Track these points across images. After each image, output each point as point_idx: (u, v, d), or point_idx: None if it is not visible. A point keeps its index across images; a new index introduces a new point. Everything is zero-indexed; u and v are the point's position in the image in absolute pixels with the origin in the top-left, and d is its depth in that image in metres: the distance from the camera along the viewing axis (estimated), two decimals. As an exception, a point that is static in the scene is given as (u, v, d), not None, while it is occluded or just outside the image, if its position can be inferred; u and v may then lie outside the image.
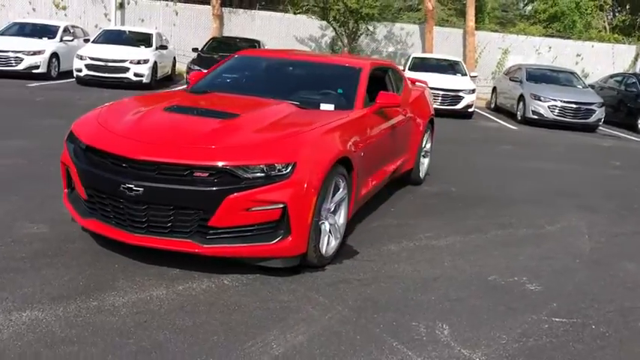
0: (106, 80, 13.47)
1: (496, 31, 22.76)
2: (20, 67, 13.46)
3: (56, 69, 14.35)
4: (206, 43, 16.51)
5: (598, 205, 6.56)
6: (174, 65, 17.11)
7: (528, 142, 11.56)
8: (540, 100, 14.03)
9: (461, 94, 14.16)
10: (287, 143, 3.68)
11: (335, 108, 4.65)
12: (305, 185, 3.53)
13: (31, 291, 3.29)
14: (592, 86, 16.63)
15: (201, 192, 3.43)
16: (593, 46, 21.67)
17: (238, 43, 16.26)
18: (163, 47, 15.56)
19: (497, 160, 9.04)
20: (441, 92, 14.00)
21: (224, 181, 3.45)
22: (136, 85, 13.47)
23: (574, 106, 13.95)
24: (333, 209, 4.02)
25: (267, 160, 3.50)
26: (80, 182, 3.81)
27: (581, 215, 6.00)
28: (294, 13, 20.02)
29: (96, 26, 19.29)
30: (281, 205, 3.49)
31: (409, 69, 15.19)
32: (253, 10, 21.95)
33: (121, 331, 2.95)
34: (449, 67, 15.70)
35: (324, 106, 4.65)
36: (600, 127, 14.50)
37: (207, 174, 3.46)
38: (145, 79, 13.83)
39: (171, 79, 16.58)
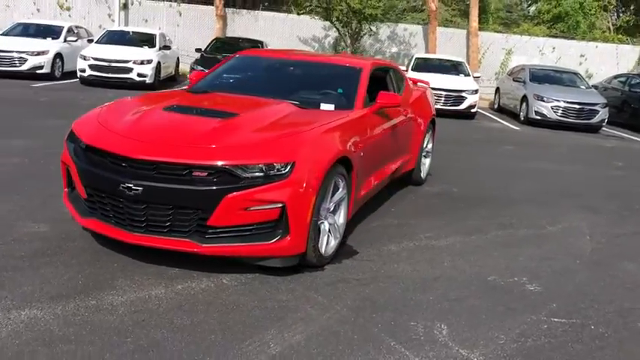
0: (110, 80, 13.51)
1: (499, 31, 22.72)
2: (24, 67, 13.50)
3: (60, 69, 14.39)
4: (209, 44, 16.55)
5: (599, 205, 6.54)
6: (177, 66, 17.17)
7: (531, 143, 11.54)
8: (543, 101, 13.99)
9: (464, 94, 14.15)
10: (286, 143, 3.69)
11: (335, 108, 4.65)
12: (304, 185, 3.54)
13: (30, 289, 3.31)
14: (595, 87, 16.58)
15: (199, 191, 3.43)
16: (597, 47, 21.60)
17: (241, 43, 16.27)
18: (167, 48, 15.59)
19: (500, 161, 9.03)
20: (444, 93, 13.99)
21: (223, 180, 3.45)
22: (140, 86, 13.49)
23: (577, 106, 13.91)
24: (332, 209, 4.02)
25: (266, 160, 3.51)
26: (80, 181, 3.82)
27: (583, 216, 5.99)
28: (298, 14, 20.02)
29: (100, 27, 19.35)
30: (280, 205, 3.50)
31: (412, 69, 15.18)
32: (257, 11, 21.99)
33: (119, 329, 2.96)
34: (452, 68, 15.69)
35: (324, 106, 4.65)
36: (604, 128, 14.45)
37: (206, 173, 3.47)
38: (148, 80, 13.87)
39: (174, 79, 16.62)
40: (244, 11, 21.81)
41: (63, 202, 4.15)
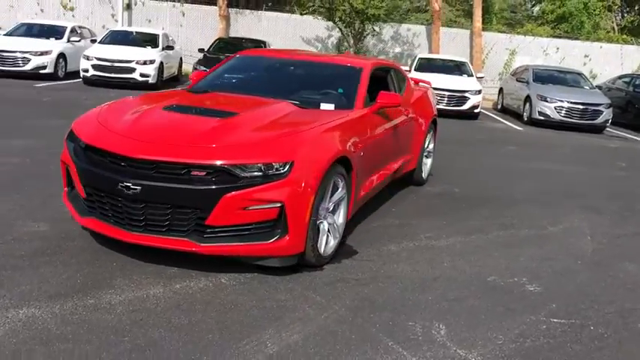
0: (113, 80, 13.54)
1: (503, 32, 22.67)
2: (28, 67, 13.54)
3: (63, 69, 14.43)
4: (212, 44, 16.56)
5: (601, 206, 6.52)
6: (180, 66, 17.17)
7: (534, 143, 11.50)
8: (547, 101, 13.95)
9: (467, 94, 14.11)
10: (285, 142, 3.68)
11: (335, 107, 4.64)
12: (302, 184, 3.53)
13: (28, 288, 3.31)
14: (599, 87, 16.52)
15: (198, 191, 3.43)
16: (601, 47, 21.52)
17: (244, 43, 16.28)
18: (170, 48, 15.61)
19: (502, 161, 9.00)
20: (447, 93, 13.97)
21: (221, 179, 3.45)
22: (142, 86, 13.51)
23: (581, 107, 13.86)
24: (332, 209, 4.02)
25: (264, 159, 3.50)
26: (79, 181, 3.83)
27: (584, 216, 5.96)
28: (301, 14, 20.02)
29: (103, 27, 19.38)
30: (278, 204, 3.49)
31: (415, 69, 15.16)
32: (260, 11, 22.00)
33: (117, 329, 2.96)
34: (455, 68, 15.66)
35: (324, 106, 4.64)
36: (608, 129, 14.39)
37: (204, 173, 3.46)
38: (151, 80, 13.89)
39: (177, 79, 16.64)
40: (247, 11, 21.83)
41: (63, 201, 4.16)
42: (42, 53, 13.72)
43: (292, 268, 3.78)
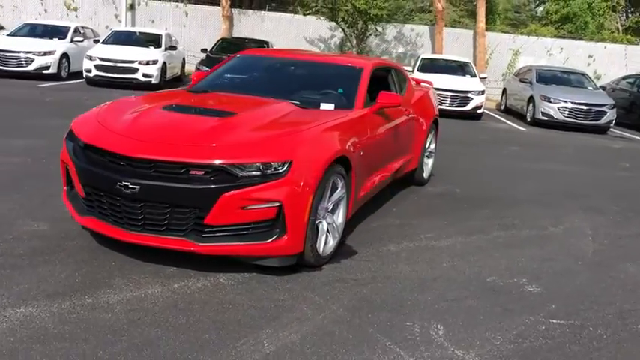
0: (115, 81, 13.56)
1: (507, 32, 22.62)
2: (31, 67, 13.58)
3: (66, 69, 14.46)
4: (215, 44, 16.58)
5: (604, 206, 6.49)
6: (183, 66, 17.20)
7: (537, 144, 11.47)
8: (550, 102, 13.91)
9: (470, 95, 14.09)
10: (283, 142, 3.68)
11: (335, 107, 4.63)
12: (301, 184, 3.53)
13: (27, 287, 3.32)
14: (603, 87, 16.47)
15: (196, 190, 3.43)
16: (605, 48, 21.45)
17: (247, 43, 16.29)
18: (172, 48, 15.64)
19: (505, 162, 8.98)
20: (450, 93, 13.95)
21: (220, 179, 3.45)
22: (145, 86, 13.53)
23: (584, 107, 13.82)
24: (331, 208, 4.01)
25: (263, 159, 3.50)
26: (79, 180, 3.83)
27: (586, 217, 5.94)
28: (304, 14, 20.04)
29: (107, 27, 19.43)
30: (277, 204, 3.49)
31: (418, 70, 15.16)
32: (263, 12, 22.02)
33: (114, 328, 2.96)
34: (458, 68, 15.64)
35: (324, 106, 4.64)
36: (611, 129, 14.35)
37: (203, 172, 3.46)
38: (153, 80, 13.91)
39: (180, 79, 16.65)
40: (250, 12, 21.86)
41: (62, 200, 4.16)
42: (45, 53, 13.76)
43: (291, 268, 3.78)
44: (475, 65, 17.54)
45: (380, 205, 5.54)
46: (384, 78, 5.80)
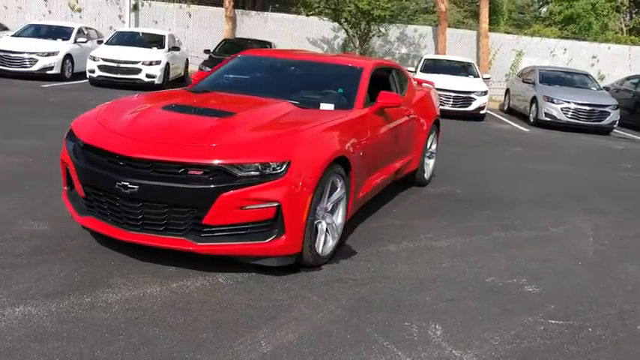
0: (119, 81, 13.60)
1: (510, 33, 22.57)
2: (34, 68, 13.62)
3: (70, 70, 14.50)
4: (218, 45, 16.60)
5: (605, 207, 6.47)
6: (186, 67, 17.24)
7: (539, 145, 11.44)
8: (553, 102, 13.87)
9: (472, 95, 14.06)
10: (282, 142, 3.68)
11: (335, 107, 4.63)
12: (299, 184, 3.53)
13: (25, 287, 3.33)
14: (607, 88, 16.41)
15: (195, 190, 3.44)
16: (609, 48, 21.37)
17: (250, 44, 16.30)
18: (176, 49, 15.67)
19: (507, 163, 8.96)
20: (453, 94, 13.93)
21: (218, 179, 3.45)
22: (148, 86, 13.53)
23: (587, 108, 13.77)
24: (330, 209, 4.01)
25: (261, 159, 3.50)
26: (78, 180, 3.85)
27: (587, 217, 5.92)
28: (307, 15, 20.02)
29: (110, 28, 19.46)
30: (275, 204, 3.49)
31: (421, 70, 15.16)
32: (266, 12, 22.05)
33: (112, 327, 2.97)
34: (461, 69, 15.61)
35: (323, 106, 4.64)
36: (615, 130, 14.30)
37: (201, 172, 3.47)
38: (156, 81, 13.95)
39: (183, 80, 16.66)
40: (253, 12, 21.88)
41: (62, 200, 4.17)
42: (49, 54, 13.80)
43: (290, 268, 3.78)
44: (478, 66, 17.51)
45: (380, 205, 5.54)
46: (385, 78, 5.80)
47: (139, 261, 3.77)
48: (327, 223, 3.98)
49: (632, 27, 26.39)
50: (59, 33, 15.09)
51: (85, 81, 14.10)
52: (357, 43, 20.00)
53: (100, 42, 15.95)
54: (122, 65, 13.61)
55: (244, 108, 4.30)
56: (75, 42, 15.03)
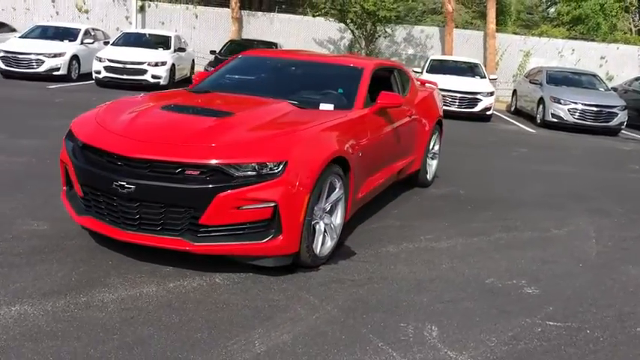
0: (124, 82, 13.67)
1: (517, 33, 22.46)
2: (41, 69, 13.70)
3: (76, 71, 14.58)
4: (224, 46, 16.64)
5: (609, 208, 6.42)
6: (192, 67, 17.28)
7: (546, 146, 11.37)
8: (560, 103, 13.78)
9: (479, 96, 13.99)
10: (279, 142, 3.67)
11: (335, 108, 4.62)
12: (296, 184, 3.52)
13: (22, 286, 3.34)
14: (615, 89, 16.29)
15: (192, 190, 3.44)
16: (618, 49, 21.23)
17: (256, 45, 16.33)
18: (182, 50, 15.72)
19: (512, 164, 8.91)
20: (459, 95, 13.87)
21: (215, 179, 3.45)
22: (154, 87, 13.59)
23: (595, 109, 13.67)
24: (328, 209, 4.00)
25: (258, 159, 3.49)
26: (77, 180, 3.86)
27: (591, 219, 5.87)
28: (313, 16, 20.03)
29: (117, 29, 19.56)
30: (272, 204, 3.48)
31: (427, 71, 15.12)
32: (272, 13, 22.08)
33: (107, 326, 2.97)
34: (467, 70, 15.55)
35: (323, 106, 4.62)
36: (623, 131, 14.20)
37: (198, 172, 3.47)
38: (162, 81, 14.00)
39: (189, 81, 16.71)
40: (260, 13, 21.92)
41: (61, 200, 4.19)
42: (56, 55, 13.88)
43: (288, 269, 3.77)
44: (485, 67, 17.45)
45: (381, 206, 5.52)
46: (387, 79, 5.79)
47: (137, 261, 3.78)
48: (326, 224, 3.97)
49: (641, 27, 26.20)
50: (66, 34, 15.17)
51: (91, 82, 14.17)
52: (363, 43, 19.99)
53: (106, 43, 16.05)
54: (128, 66, 13.67)
55: (243, 108, 4.30)
56: (82, 43, 15.11)
